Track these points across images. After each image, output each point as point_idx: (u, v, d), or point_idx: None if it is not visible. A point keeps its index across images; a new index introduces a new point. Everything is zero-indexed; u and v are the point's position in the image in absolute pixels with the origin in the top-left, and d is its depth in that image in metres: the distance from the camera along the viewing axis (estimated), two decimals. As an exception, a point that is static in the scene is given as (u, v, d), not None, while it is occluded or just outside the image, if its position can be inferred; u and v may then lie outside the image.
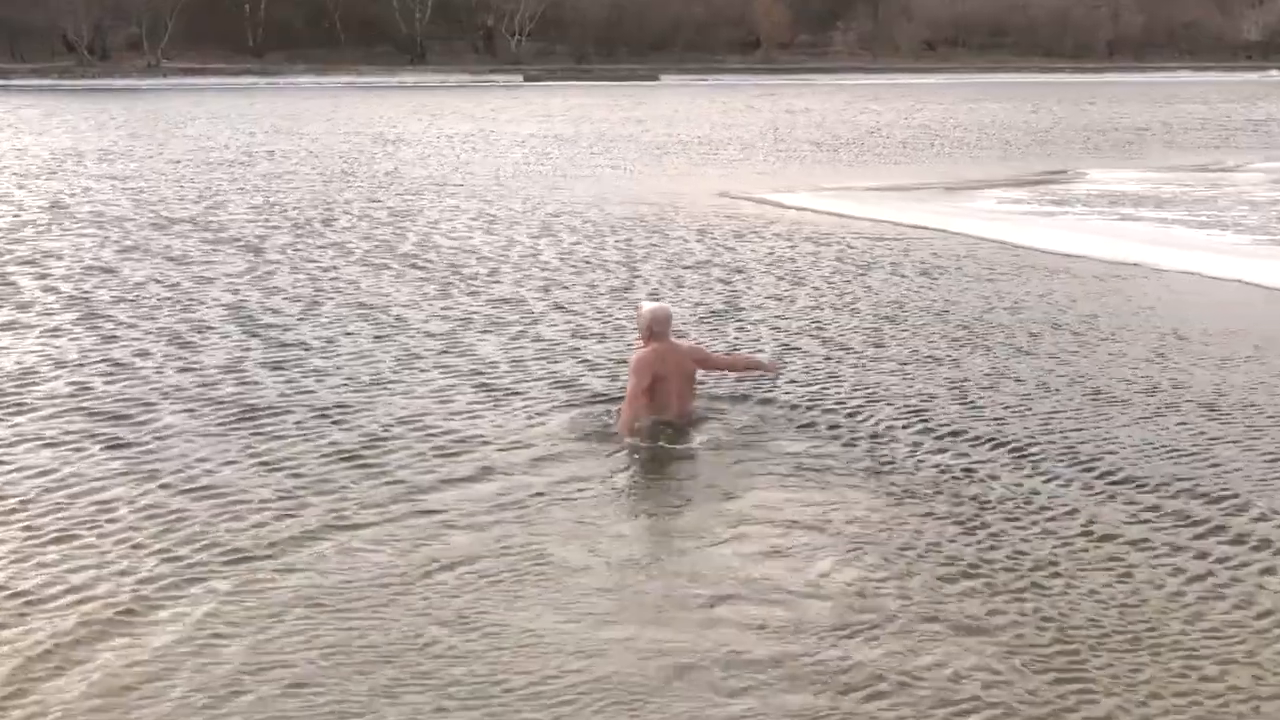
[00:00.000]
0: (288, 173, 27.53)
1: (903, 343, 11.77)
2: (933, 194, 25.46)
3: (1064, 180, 28.06)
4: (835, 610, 5.87)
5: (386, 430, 8.71)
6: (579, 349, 11.26)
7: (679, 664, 5.42)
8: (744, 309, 13.37)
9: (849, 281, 15.20)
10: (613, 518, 7.05)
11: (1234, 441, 8.51)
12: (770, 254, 17.27)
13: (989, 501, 7.34)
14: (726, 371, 9.04)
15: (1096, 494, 7.63)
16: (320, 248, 16.98)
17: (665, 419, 8.38)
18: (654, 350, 8.42)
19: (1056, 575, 6.37)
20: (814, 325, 12.56)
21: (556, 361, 10.79)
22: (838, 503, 7.26)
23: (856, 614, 5.85)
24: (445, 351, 11.15)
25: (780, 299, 13.95)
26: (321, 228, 18.95)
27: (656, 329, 8.53)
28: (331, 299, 13.42)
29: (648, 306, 8.77)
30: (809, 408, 9.29)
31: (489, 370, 10.49)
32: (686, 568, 6.39)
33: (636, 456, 8.10)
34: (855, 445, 8.36)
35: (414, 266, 15.67)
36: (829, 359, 11.08)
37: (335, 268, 15.37)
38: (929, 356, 11.19)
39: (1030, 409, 9.41)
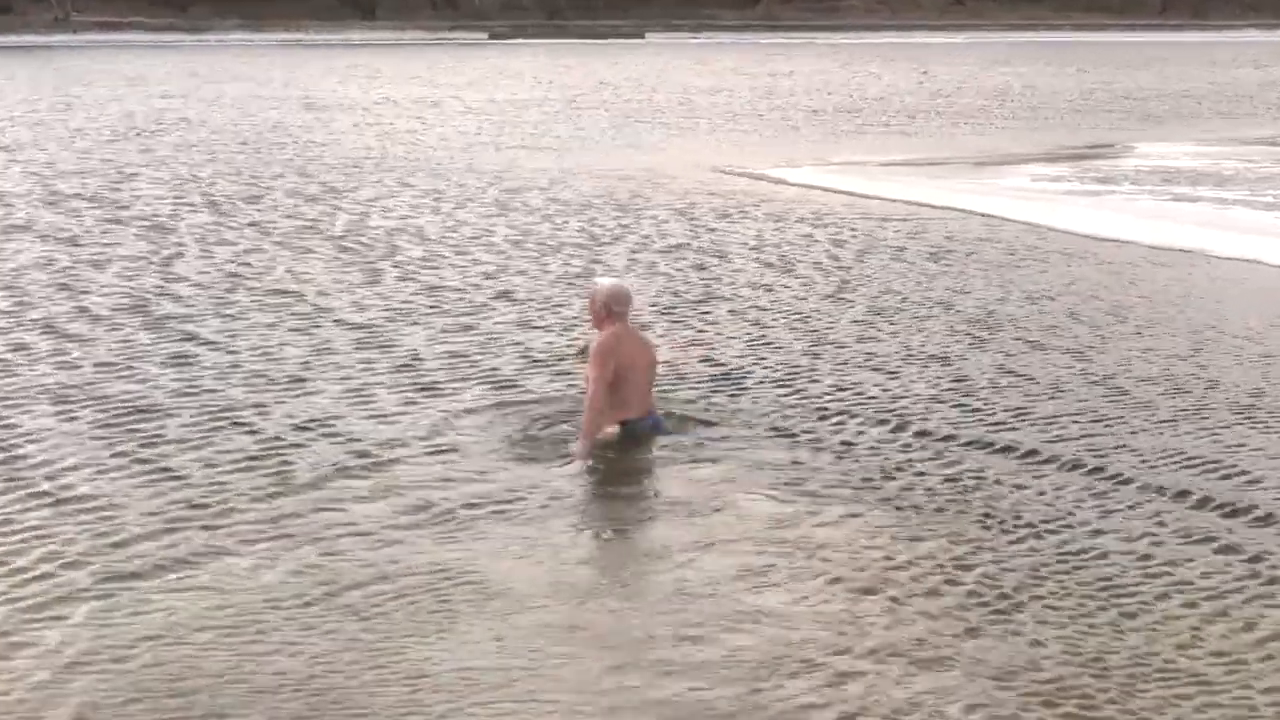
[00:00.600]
0: (207, 143, 27.54)
1: (900, 338, 11.85)
2: (957, 170, 25.58)
3: (1109, 155, 28.22)
4: (814, 646, 5.87)
5: (293, 433, 8.73)
6: (523, 342, 11.33)
7: (628, 708, 5.42)
8: (719, 298, 13.47)
9: (846, 268, 15.28)
10: (556, 537, 7.08)
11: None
12: (758, 237, 17.32)
13: (991, 518, 7.39)
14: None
15: (1111, 508, 7.69)
16: (237, 228, 17.01)
17: (626, 417, 8.42)
18: (614, 334, 8.38)
19: (1068, 600, 6.43)
20: (798, 317, 12.64)
21: (497, 356, 10.84)
22: (819, 520, 7.30)
23: (837, 651, 5.84)
24: (368, 345, 11.18)
25: (763, 288, 14.04)
26: (241, 205, 18.98)
27: (616, 308, 8.47)
28: (244, 286, 13.45)
29: (605, 283, 8.77)
30: (788, 411, 9.35)
31: (416, 366, 10.53)
32: (640, 596, 6.42)
33: (586, 464, 8.17)
34: (839, 454, 8.40)
35: (343, 249, 15.70)
36: (813, 355, 11.16)
37: (253, 251, 15.40)
38: (930, 354, 11.26)
39: (1040, 412, 9.49)
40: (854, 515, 7.39)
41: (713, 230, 17.84)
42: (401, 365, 10.56)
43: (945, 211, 20.40)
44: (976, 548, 7.03)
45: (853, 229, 18.23)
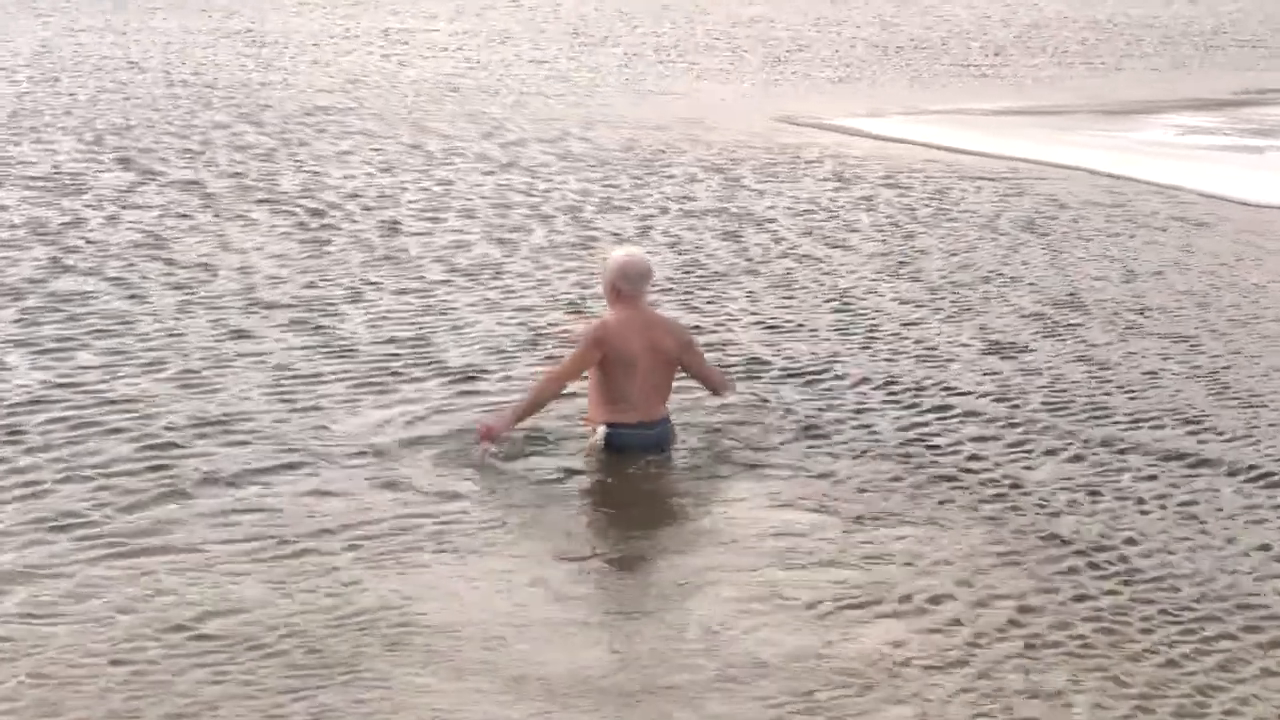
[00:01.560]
0: (132, 87, 27.80)
1: (966, 322, 12.02)
2: (1080, 120, 25.54)
3: (1266, 102, 28.16)
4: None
5: (186, 436, 8.85)
6: (487, 328, 11.47)
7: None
8: (749, 273, 13.61)
9: (914, 237, 15.42)
10: (509, 566, 7.20)
11: None
12: (810, 200, 17.45)
13: (1072, 542, 7.50)
14: (695, 379, 9.06)
15: (1188, 530, 7.73)
16: (158, 190, 17.17)
17: (619, 420, 8.54)
18: (611, 322, 8.54)
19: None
20: (844, 297, 12.79)
21: (456, 345, 10.93)
22: (843, 547, 7.44)
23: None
24: (297, 329, 11.30)
25: (807, 261, 14.19)
26: (167, 161, 19.15)
27: (625, 286, 8.66)
28: (156, 259, 13.60)
29: (615, 255, 8.90)
30: (829, 418, 9.45)
31: (352, 355, 10.64)
32: (610, 646, 6.50)
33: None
34: (877, 465, 8.48)
35: (285, 215, 15.85)
36: (855, 343, 11.31)
37: (173, 217, 15.56)
38: (1000, 342, 11.45)
39: (1141, 415, 9.66)
40: (898, 538, 7.50)
41: (755, 192, 17.93)
42: (335, 354, 10.67)
43: (1056, 170, 20.43)
44: (1060, 573, 7.12)
45: (933, 191, 18.30)
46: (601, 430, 8.57)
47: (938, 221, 16.30)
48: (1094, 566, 7.33)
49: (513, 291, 12.72)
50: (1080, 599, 6.96)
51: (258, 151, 20.15)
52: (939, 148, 22.44)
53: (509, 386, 9.91)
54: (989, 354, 11.04)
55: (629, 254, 8.89)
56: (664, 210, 16.49)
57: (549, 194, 17.47)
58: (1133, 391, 10.20)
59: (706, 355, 9.40)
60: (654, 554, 7.54)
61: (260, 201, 16.56)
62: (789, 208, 16.92)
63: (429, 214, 16.07)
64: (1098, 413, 9.72)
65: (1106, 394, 10.15)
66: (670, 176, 18.86)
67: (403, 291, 12.57)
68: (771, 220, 16.14)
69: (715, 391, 9.13)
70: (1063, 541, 7.59)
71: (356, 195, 17.14)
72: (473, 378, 10.14)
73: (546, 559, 7.34)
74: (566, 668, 6.26)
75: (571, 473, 8.46)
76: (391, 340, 11.04)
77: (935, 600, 6.88)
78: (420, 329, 11.39)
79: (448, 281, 13.00)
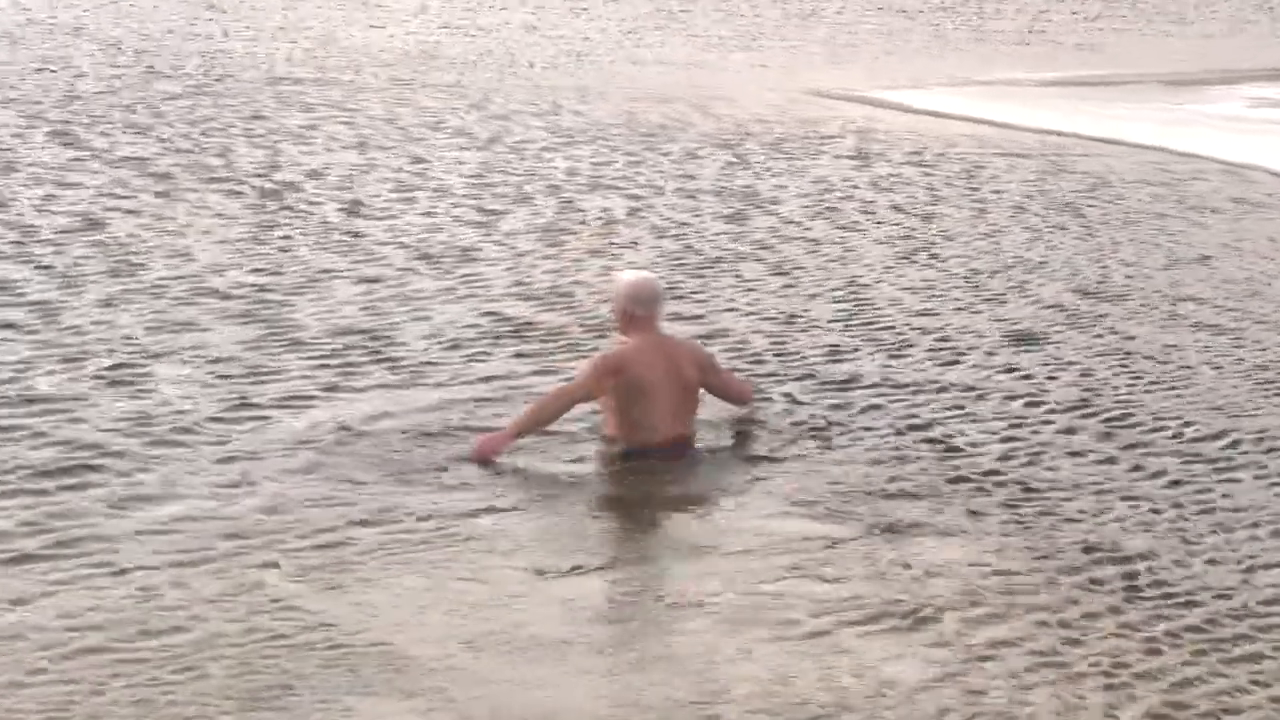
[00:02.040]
0: (77, 54, 27.86)
1: (985, 314, 12.08)
2: (1143, 92, 25.60)
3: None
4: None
5: (109, 436, 8.91)
6: (448, 320, 11.51)
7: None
8: (752, 259, 13.68)
9: (938, 220, 15.52)
10: (475, 578, 7.23)
11: None
12: (823, 181, 17.55)
13: (1097, 549, 7.59)
14: (719, 397, 9.29)
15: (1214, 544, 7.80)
16: (98, 168, 17.20)
17: (651, 441, 8.74)
18: (629, 351, 8.80)
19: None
20: (856, 287, 12.84)
21: (419, 339, 11.00)
22: (851, 561, 7.48)
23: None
24: (238, 320, 11.34)
25: (815, 246, 14.27)
26: (110, 136, 19.19)
27: (639, 310, 8.88)
28: (88, 241, 13.67)
29: (626, 278, 9.09)
30: (835, 418, 9.49)
31: (297, 349, 10.70)
32: (579, 668, 6.48)
33: (541, 485, 8.39)
34: (904, 486, 8.47)
35: (236, 195, 15.89)
36: (863, 338, 11.35)
37: (112, 196, 15.60)
38: (1020, 334, 11.50)
39: (1174, 415, 9.72)
40: (911, 548, 7.58)
41: (763, 170, 18.00)
42: (282, 348, 10.71)
43: (1105, 146, 20.49)
44: (1080, 587, 7.18)
45: (962, 169, 18.36)
46: (617, 448, 8.82)
47: (964, 203, 16.36)
48: (1115, 578, 7.31)
49: (482, 279, 12.77)
50: (1099, 614, 6.95)
51: (212, 126, 20.22)
52: (978, 121, 22.53)
53: (471, 385, 9.94)
54: (1010, 347, 11.08)
55: (639, 276, 9.12)
56: (658, 190, 16.55)
57: (533, 172, 17.53)
58: (1166, 389, 10.23)
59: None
60: (640, 568, 7.53)
61: (211, 181, 16.62)
62: (800, 188, 16.98)
63: (398, 194, 16.13)
64: (1126, 412, 9.75)
65: (1137, 391, 10.17)
66: (668, 154, 18.91)
67: (361, 280, 12.62)
68: (778, 201, 16.21)
69: (738, 404, 9.30)
70: (1086, 549, 7.61)
71: (319, 174, 17.20)
72: (432, 374, 10.16)
73: (513, 573, 7.32)
74: (528, 696, 6.26)
75: (547, 476, 8.52)
76: (345, 333, 11.08)
77: (940, 614, 6.88)
78: (377, 320, 11.43)
79: (411, 269, 13.04)
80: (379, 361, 10.47)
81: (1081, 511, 8.15)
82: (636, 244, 14.25)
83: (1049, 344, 11.23)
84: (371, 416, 9.36)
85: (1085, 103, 24.06)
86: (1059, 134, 21.52)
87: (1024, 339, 11.32)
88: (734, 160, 18.43)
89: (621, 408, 8.76)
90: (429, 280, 12.66)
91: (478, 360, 10.55)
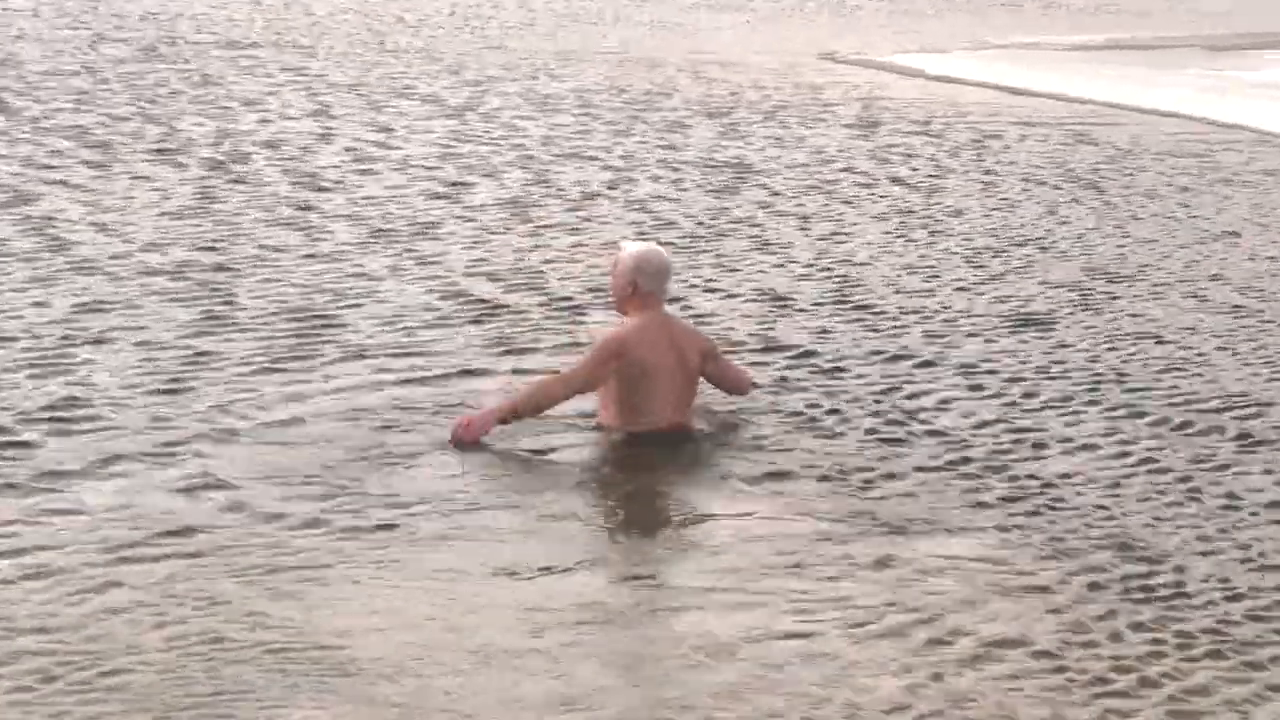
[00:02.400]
0: (14, 14, 27.92)
1: (984, 294, 12.10)
2: (1182, 55, 25.58)
3: None
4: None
5: (35, 423, 8.91)
6: (412, 303, 11.52)
7: None
8: (734, 235, 13.73)
9: (940, 193, 15.55)
10: (436, 581, 7.13)
11: None
12: (818, 151, 17.59)
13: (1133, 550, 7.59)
14: (718, 386, 9.27)
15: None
16: (27, 136, 17.26)
17: (650, 428, 8.77)
18: (632, 332, 8.77)
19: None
20: (845, 264, 12.87)
21: (370, 321, 10.99)
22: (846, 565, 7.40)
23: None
24: (179, 300, 11.30)
25: (800, 221, 14.28)
26: (37, 106, 19.22)
27: (646, 286, 8.84)
28: (15, 216, 13.68)
29: (632, 249, 9.03)
30: (822, 408, 9.46)
31: (244, 332, 10.65)
32: (552, 674, 6.39)
33: (516, 476, 8.37)
34: (902, 481, 8.31)
35: (176, 166, 15.90)
36: (852, 321, 11.36)
37: (41, 167, 15.63)
38: (1024, 317, 11.50)
39: (1188, 405, 9.69)
40: (907, 550, 7.50)
41: (755, 139, 18.05)
42: (222, 330, 10.68)
43: (1134, 115, 20.57)
44: (1088, 588, 7.11)
45: (973, 139, 18.46)
46: (619, 433, 8.80)
47: (973, 175, 16.42)
48: (1124, 577, 7.23)
49: (442, 257, 12.79)
50: (1106, 615, 6.91)
51: (159, 94, 20.25)
52: (995, 88, 22.59)
53: (427, 370, 9.94)
54: (1014, 331, 11.05)
55: (647, 248, 9.04)
56: (638, 162, 16.60)
57: (504, 142, 17.56)
58: (1182, 375, 10.20)
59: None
60: (614, 568, 7.45)
61: (156, 151, 16.64)
62: (793, 159, 17.03)
63: (357, 166, 16.14)
64: (1139, 400, 9.73)
65: (1151, 378, 10.15)
66: (652, 123, 18.94)
67: (311, 256, 12.62)
68: (769, 173, 16.24)
69: (737, 393, 9.31)
70: (1094, 545, 7.53)
71: (272, 145, 17.22)
72: (385, 358, 10.15)
73: (475, 573, 7.21)
74: (479, 701, 6.20)
75: (522, 464, 8.49)
76: (292, 314, 11.05)
77: (939, 615, 6.82)
78: (328, 300, 11.43)
79: (364, 245, 13.05)
80: (328, 345, 10.42)
81: (1089, 505, 8.10)
82: (608, 218, 14.28)
83: (1057, 327, 11.21)
84: (319, 404, 9.31)
85: (1113, 67, 24.11)
86: (1082, 101, 21.62)
87: (1030, 321, 11.31)
88: (724, 129, 18.46)
89: (622, 393, 8.73)
90: (384, 258, 12.66)
91: (435, 344, 10.50)
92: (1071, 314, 11.58)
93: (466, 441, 8.57)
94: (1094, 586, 7.20)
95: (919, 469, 8.54)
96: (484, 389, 9.41)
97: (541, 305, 11.41)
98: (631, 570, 7.39)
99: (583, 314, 11.17)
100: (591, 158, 16.83)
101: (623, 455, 8.63)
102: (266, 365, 10.01)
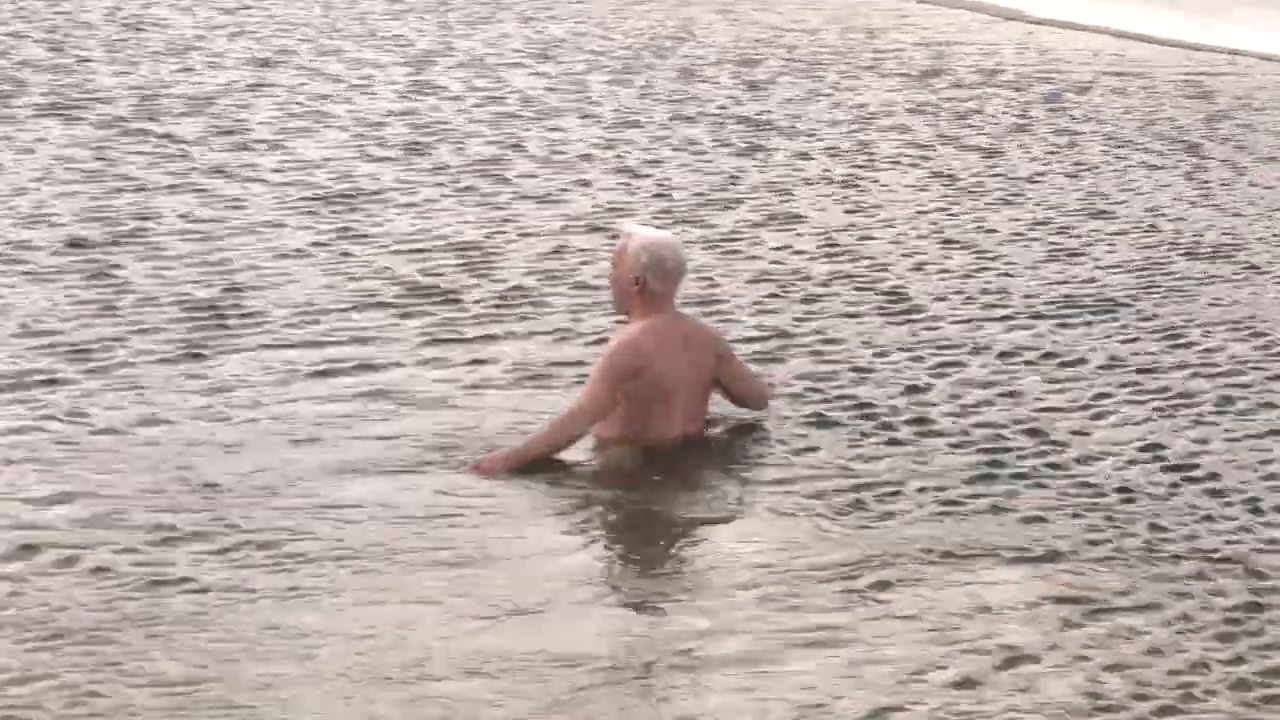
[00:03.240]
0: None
1: (1066, 277, 12.13)
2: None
3: None
4: None
5: None
6: (330, 290, 11.54)
7: None
8: (751, 205, 13.77)
9: (1000, 156, 15.64)
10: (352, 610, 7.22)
11: None
12: (859, 108, 17.65)
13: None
14: (729, 395, 9.36)
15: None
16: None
17: (658, 440, 8.91)
18: (653, 333, 8.86)
19: None
20: (874, 244, 12.90)
21: (280, 308, 11.05)
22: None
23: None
24: (53, 282, 11.39)
25: (839, 189, 14.35)
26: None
27: (658, 286, 8.91)
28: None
29: (641, 237, 9.00)
30: (841, 408, 9.56)
31: (130, 321, 10.72)
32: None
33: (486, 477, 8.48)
34: (938, 497, 8.46)
35: (69, 121, 15.96)
36: (879, 305, 11.40)
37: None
38: (1123, 305, 11.55)
39: None
40: (941, 580, 7.58)
41: (789, 92, 18.14)
42: (104, 317, 10.76)
43: (1261, 65, 20.50)
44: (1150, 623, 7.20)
45: (1061, 93, 18.37)
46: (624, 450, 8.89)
47: (1046, 135, 16.41)
48: (1193, 611, 7.31)
49: (373, 234, 12.85)
50: (1169, 650, 6.95)
51: (63, 39, 20.25)
52: (1113, 33, 22.52)
53: (352, 361, 10.06)
54: (1069, 322, 11.10)
55: (662, 239, 9.06)
56: (640, 121, 16.62)
57: (479, 95, 17.61)
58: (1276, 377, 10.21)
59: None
60: (608, 596, 7.53)
61: (48, 105, 16.68)
62: (829, 116, 17.06)
63: (292, 124, 16.21)
64: (1222, 401, 9.78)
65: (1241, 375, 10.20)
66: (664, 72, 18.95)
67: (222, 231, 12.69)
68: (795, 133, 16.28)
69: (755, 405, 9.36)
70: (1155, 576, 7.59)
71: (194, 98, 17.23)
72: (305, 347, 10.26)
73: (426, 601, 7.30)
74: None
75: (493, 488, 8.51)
76: (184, 301, 11.12)
77: (973, 649, 6.93)
78: (229, 284, 11.48)
79: (279, 224, 13.04)
80: (232, 336, 10.50)
81: (1164, 526, 8.18)
82: (591, 184, 14.34)
83: (1123, 315, 11.25)
84: (228, 399, 9.42)
85: (1244, 7, 23.92)
86: (1198, 48, 21.49)
87: (1092, 309, 11.37)
88: (748, 81, 18.43)
89: (636, 409, 8.81)
90: (302, 233, 12.72)
91: (362, 335, 10.60)
92: (1144, 300, 11.63)
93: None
94: (1184, 624, 7.24)
95: (962, 476, 8.67)
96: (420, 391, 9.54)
97: (489, 292, 11.47)
98: (632, 608, 7.43)
99: (543, 305, 11.24)
100: (582, 113, 16.89)
101: (625, 471, 8.73)
102: (164, 356, 10.07)
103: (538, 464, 8.63)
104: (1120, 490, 8.57)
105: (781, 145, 15.91)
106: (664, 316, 8.89)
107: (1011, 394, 9.87)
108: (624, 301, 8.99)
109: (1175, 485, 8.68)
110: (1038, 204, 14.08)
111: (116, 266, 11.76)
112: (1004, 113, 17.55)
